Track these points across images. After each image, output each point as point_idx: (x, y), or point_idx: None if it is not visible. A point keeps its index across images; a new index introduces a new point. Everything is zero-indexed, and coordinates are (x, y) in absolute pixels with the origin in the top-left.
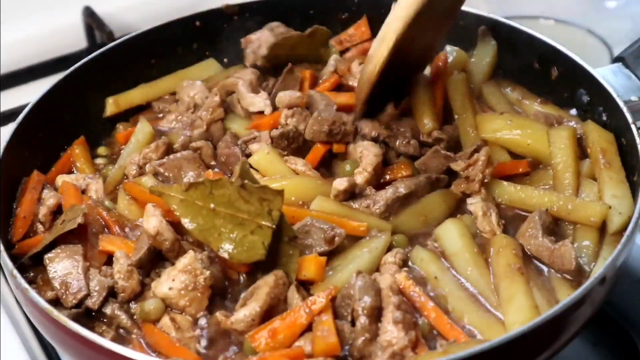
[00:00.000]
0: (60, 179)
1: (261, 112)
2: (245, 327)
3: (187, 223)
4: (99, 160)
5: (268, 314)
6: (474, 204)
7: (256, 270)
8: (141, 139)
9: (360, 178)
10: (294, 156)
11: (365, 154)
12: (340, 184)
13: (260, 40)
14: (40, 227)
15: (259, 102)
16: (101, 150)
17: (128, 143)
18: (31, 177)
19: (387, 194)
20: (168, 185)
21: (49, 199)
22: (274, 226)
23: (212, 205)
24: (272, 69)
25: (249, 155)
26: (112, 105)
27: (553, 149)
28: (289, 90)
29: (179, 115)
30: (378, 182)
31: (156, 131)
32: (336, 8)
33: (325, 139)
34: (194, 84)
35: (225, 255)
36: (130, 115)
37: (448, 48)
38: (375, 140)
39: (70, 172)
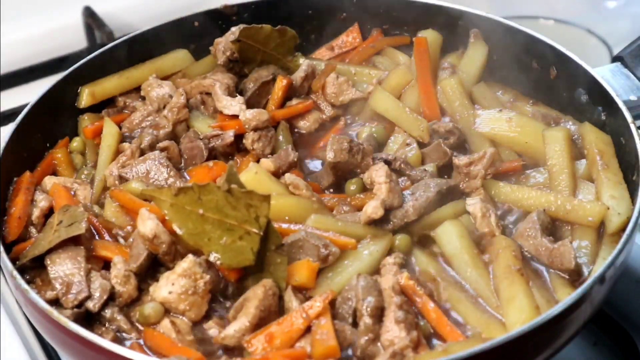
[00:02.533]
0: (49, 181)
1: (235, 116)
2: (236, 342)
3: (177, 227)
4: (76, 159)
5: (262, 321)
6: (473, 205)
7: (246, 277)
8: (112, 142)
9: (371, 208)
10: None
11: (375, 179)
12: (374, 212)
13: (228, 38)
14: (32, 229)
15: (234, 105)
16: (75, 145)
17: (100, 150)
18: (23, 177)
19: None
20: (158, 189)
21: (41, 201)
22: (261, 233)
23: (200, 211)
24: (242, 66)
25: (212, 149)
26: (89, 96)
27: (548, 150)
28: (256, 110)
29: (147, 115)
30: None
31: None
32: (334, 9)
33: (347, 157)
34: (161, 83)
35: (215, 261)
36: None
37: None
38: (387, 163)
39: (54, 172)
